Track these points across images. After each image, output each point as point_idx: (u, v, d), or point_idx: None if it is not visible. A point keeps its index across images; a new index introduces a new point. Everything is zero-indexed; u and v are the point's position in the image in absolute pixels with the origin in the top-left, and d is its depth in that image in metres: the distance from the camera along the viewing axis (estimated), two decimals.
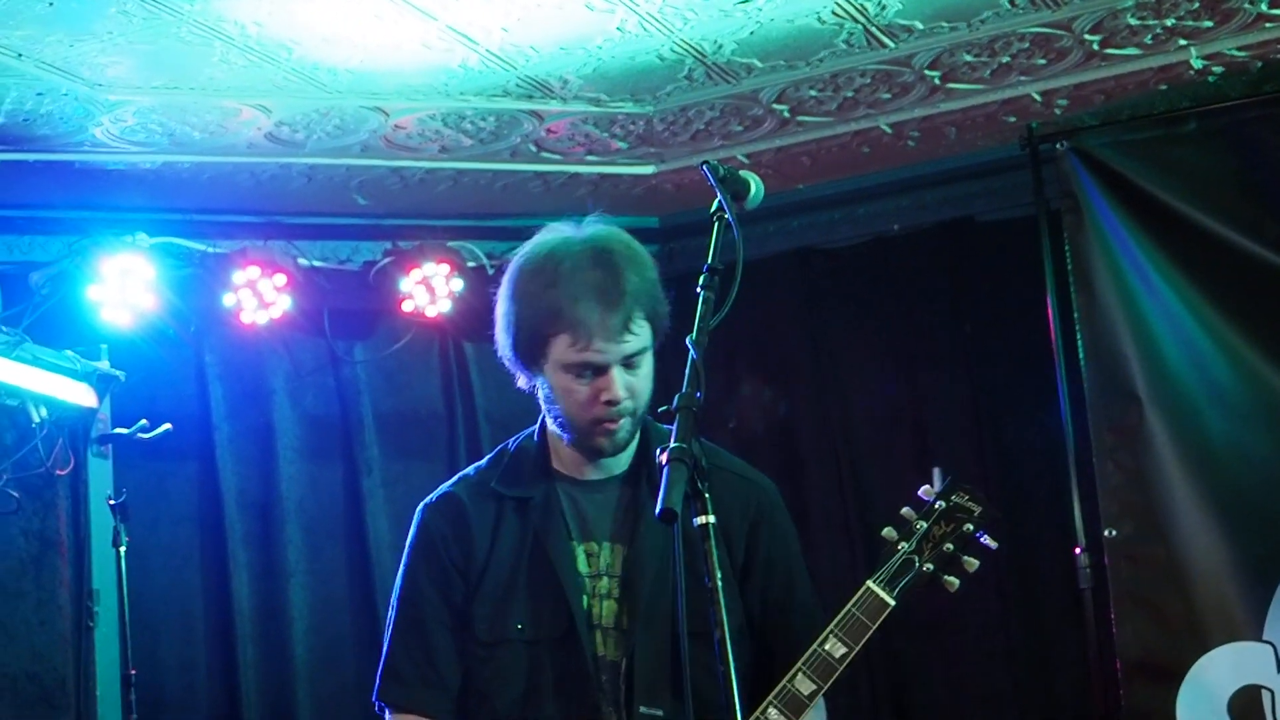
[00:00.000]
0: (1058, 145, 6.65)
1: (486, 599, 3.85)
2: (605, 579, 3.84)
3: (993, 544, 3.83)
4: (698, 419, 3.17)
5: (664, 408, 3.53)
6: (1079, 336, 6.59)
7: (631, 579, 3.82)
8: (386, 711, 3.91)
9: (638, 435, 3.86)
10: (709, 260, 3.33)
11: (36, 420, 6.45)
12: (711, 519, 3.15)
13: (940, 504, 3.84)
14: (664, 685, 3.74)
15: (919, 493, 3.87)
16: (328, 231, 7.20)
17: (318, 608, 7.05)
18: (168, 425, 6.48)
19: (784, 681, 3.70)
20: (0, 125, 6.03)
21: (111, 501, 5.95)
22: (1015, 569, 6.86)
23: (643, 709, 3.74)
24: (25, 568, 6.41)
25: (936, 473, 7.23)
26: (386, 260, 7.14)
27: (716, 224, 3.38)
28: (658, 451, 3.20)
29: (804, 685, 3.70)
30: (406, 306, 7.13)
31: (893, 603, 3.75)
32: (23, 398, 6.40)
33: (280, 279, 6.92)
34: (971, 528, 3.82)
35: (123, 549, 5.88)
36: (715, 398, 3.32)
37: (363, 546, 7.13)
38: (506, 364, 3.89)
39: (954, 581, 3.81)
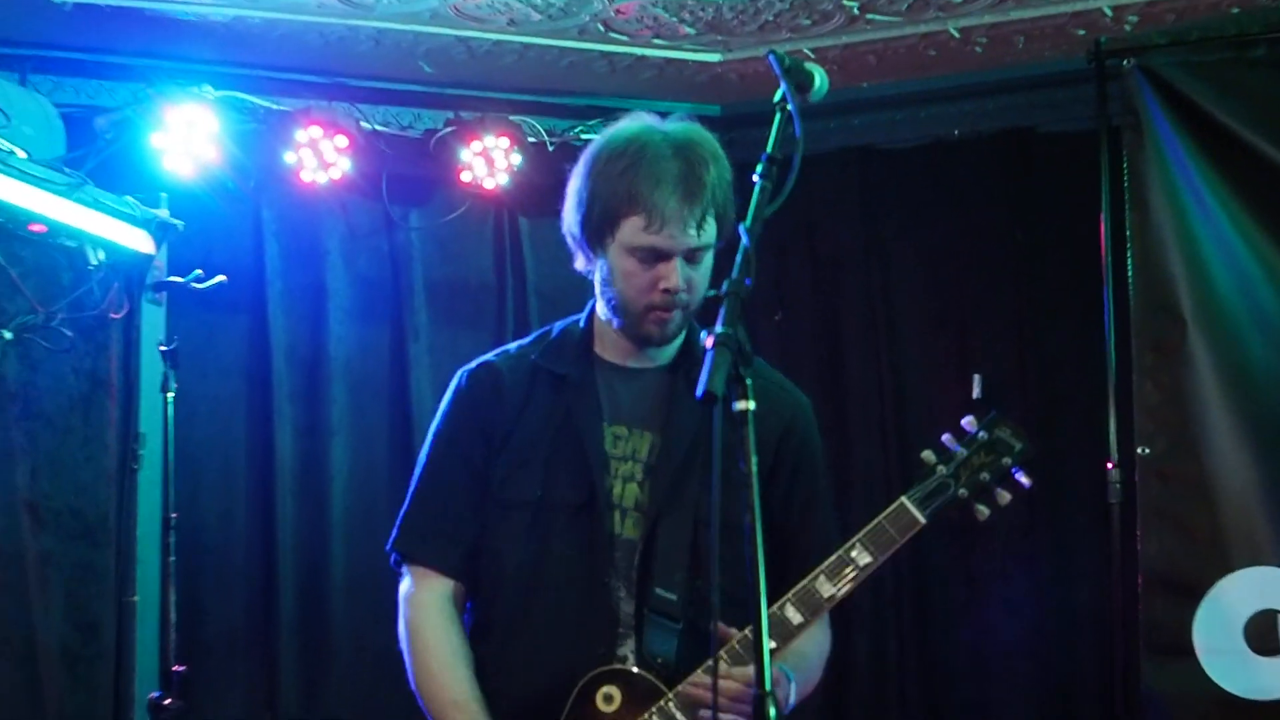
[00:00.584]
0: (1124, 62, 6.59)
1: (509, 461, 3.95)
2: (630, 463, 3.91)
3: (1027, 482, 3.87)
4: (745, 305, 3.19)
5: (712, 292, 3.57)
6: (1129, 254, 6.57)
7: (657, 465, 3.90)
8: (399, 565, 4.05)
9: (684, 331, 3.92)
10: (768, 149, 3.31)
11: (94, 263, 6.49)
12: (751, 405, 3.12)
13: (983, 435, 3.89)
14: (680, 570, 3.83)
15: (963, 422, 3.91)
16: (391, 97, 7.23)
17: (357, 467, 7.13)
18: (222, 277, 6.52)
19: (804, 581, 3.76)
20: None
21: (163, 348, 6.01)
22: (1046, 478, 6.80)
23: (658, 590, 3.82)
24: (75, 405, 6.48)
25: (976, 379, 7.26)
26: (448, 130, 7.16)
27: (779, 114, 3.36)
28: (703, 335, 3.23)
29: (825, 588, 3.76)
30: (465, 177, 7.15)
31: (924, 521, 3.82)
32: (81, 240, 6.44)
33: (341, 141, 6.94)
34: (1010, 462, 3.87)
35: (171, 395, 5.95)
36: (762, 289, 3.36)
37: (405, 410, 7.21)
38: (569, 241, 3.98)
39: (984, 510, 3.87)
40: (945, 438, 3.89)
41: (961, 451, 3.87)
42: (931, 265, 7.38)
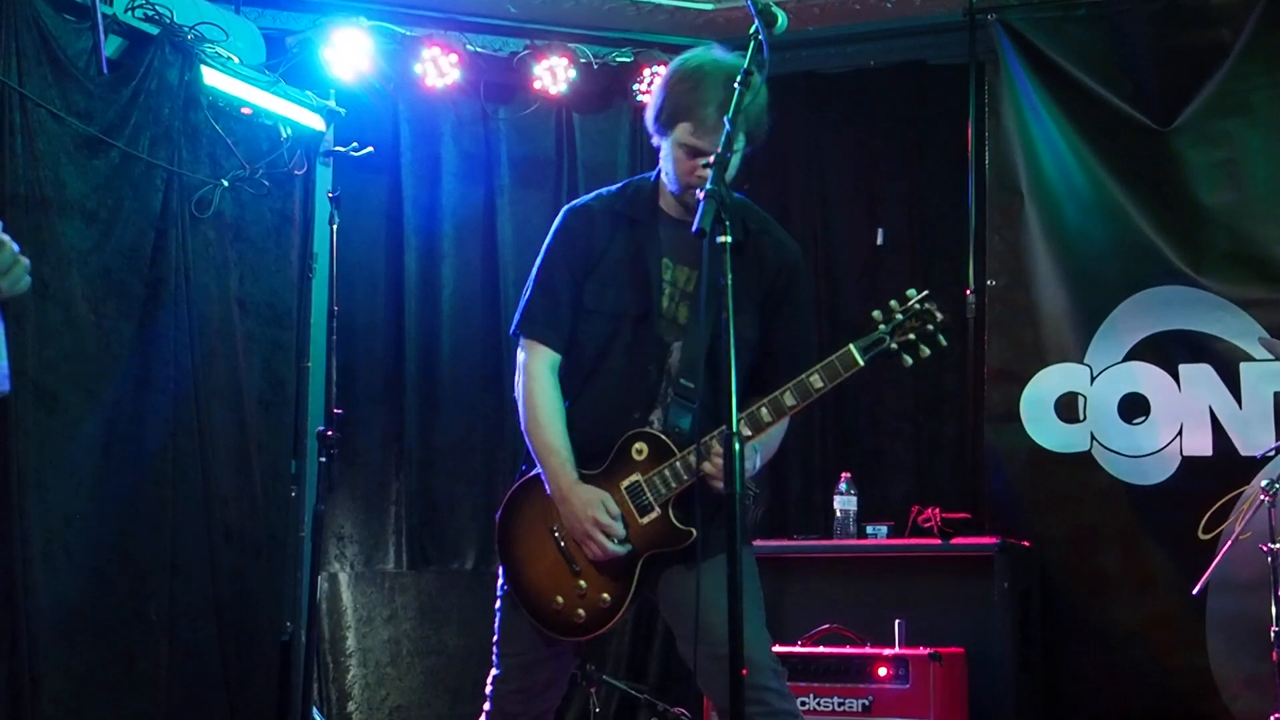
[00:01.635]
0: (989, 16, 6.64)
1: (596, 279, 3.88)
2: (673, 287, 3.86)
3: (944, 343, 3.68)
4: (724, 168, 3.26)
5: (705, 161, 3.56)
6: (987, 148, 6.64)
7: (693, 291, 3.84)
8: (520, 340, 3.95)
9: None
10: (745, 65, 3.36)
11: (284, 135, 6.50)
12: (729, 239, 3.20)
13: (916, 306, 3.67)
14: (698, 366, 3.76)
15: (906, 293, 3.70)
16: (488, 29, 7.14)
17: (460, 280, 7.12)
18: (370, 148, 6.51)
19: (775, 394, 3.68)
20: None
21: (330, 195, 6.01)
22: None
23: (682, 380, 3.81)
24: (269, 233, 6.49)
25: (880, 232, 7.35)
26: (526, 52, 7.10)
27: (752, 43, 3.37)
28: (697, 190, 3.26)
29: (789, 399, 3.68)
30: (536, 85, 7.10)
31: (862, 363, 3.65)
32: (276, 119, 6.45)
33: (453, 58, 6.90)
34: (932, 328, 3.66)
35: (334, 227, 5.93)
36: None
37: (493, 243, 7.17)
38: (648, 122, 3.88)
39: (908, 360, 3.67)
40: (891, 303, 3.69)
41: (899, 316, 3.66)
42: (853, 155, 7.31)
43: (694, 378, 3.78)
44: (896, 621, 5.73)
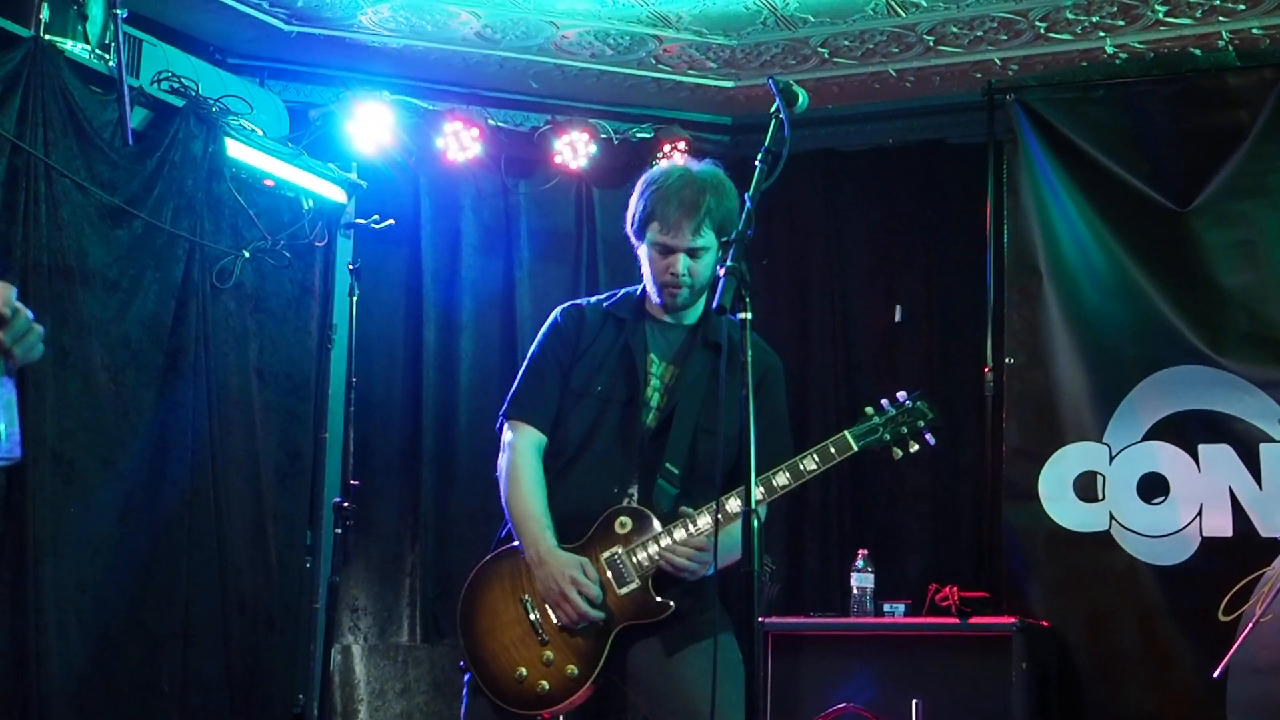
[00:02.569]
0: (1008, 96, 6.67)
1: (583, 366, 3.99)
2: (657, 379, 3.98)
3: (932, 441, 3.89)
4: (747, 247, 3.25)
5: (725, 238, 3.60)
6: (1005, 226, 6.64)
7: (674, 386, 3.96)
8: (505, 425, 4.07)
9: (703, 301, 4.00)
10: (766, 144, 3.38)
11: (306, 207, 6.56)
12: (749, 315, 3.23)
13: (908, 404, 3.89)
14: (683, 453, 3.90)
15: (898, 394, 3.92)
16: (509, 104, 7.19)
17: (479, 353, 7.12)
18: (391, 221, 6.56)
19: (768, 473, 3.79)
20: (299, 8, 6.15)
21: (350, 267, 6.01)
22: (944, 378, 6.90)
23: (667, 464, 3.89)
24: (289, 304, 6.52)
25: (898, 309, 7.34)
26: (547, 127, 7.13)
27: (774, 121, 3.41)
28: (716, 267, 3.28)
29: (780, 479, 3.81)
30: (557, 160, 7.13)
31: (855, 449, 3.85)
32: (298, 191, 6.50)
33: (475, 133, 6.93)
34: (922, 425, 3.88)
35: (354, 298, 5.94)
36: (755, 242, 3.40)
37: (511, 316, 7.18)
38: (628, 232, 4.04)
39: (899, 452, 3.89)
40: (883, 401, 3.90)
41: (891, 411, 3.88)
42: (871, 232, 7.32)
43: (679, 463, 3.88)
44: (914, 701, 5.67)
